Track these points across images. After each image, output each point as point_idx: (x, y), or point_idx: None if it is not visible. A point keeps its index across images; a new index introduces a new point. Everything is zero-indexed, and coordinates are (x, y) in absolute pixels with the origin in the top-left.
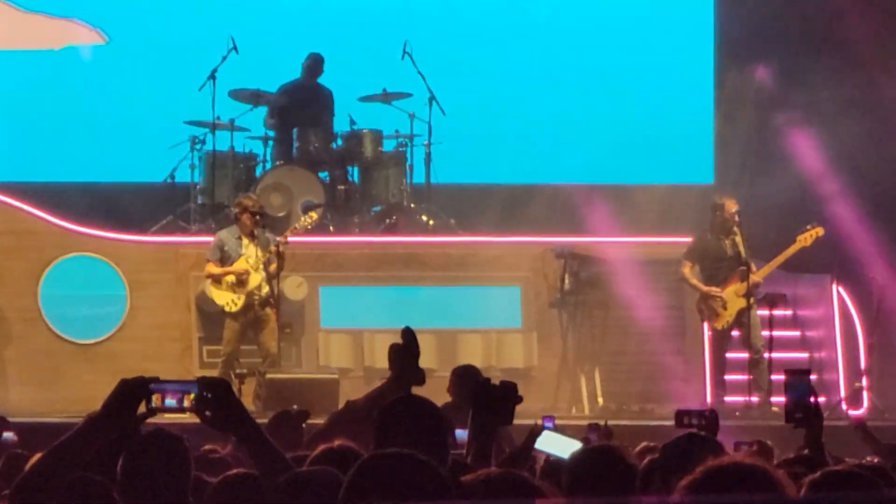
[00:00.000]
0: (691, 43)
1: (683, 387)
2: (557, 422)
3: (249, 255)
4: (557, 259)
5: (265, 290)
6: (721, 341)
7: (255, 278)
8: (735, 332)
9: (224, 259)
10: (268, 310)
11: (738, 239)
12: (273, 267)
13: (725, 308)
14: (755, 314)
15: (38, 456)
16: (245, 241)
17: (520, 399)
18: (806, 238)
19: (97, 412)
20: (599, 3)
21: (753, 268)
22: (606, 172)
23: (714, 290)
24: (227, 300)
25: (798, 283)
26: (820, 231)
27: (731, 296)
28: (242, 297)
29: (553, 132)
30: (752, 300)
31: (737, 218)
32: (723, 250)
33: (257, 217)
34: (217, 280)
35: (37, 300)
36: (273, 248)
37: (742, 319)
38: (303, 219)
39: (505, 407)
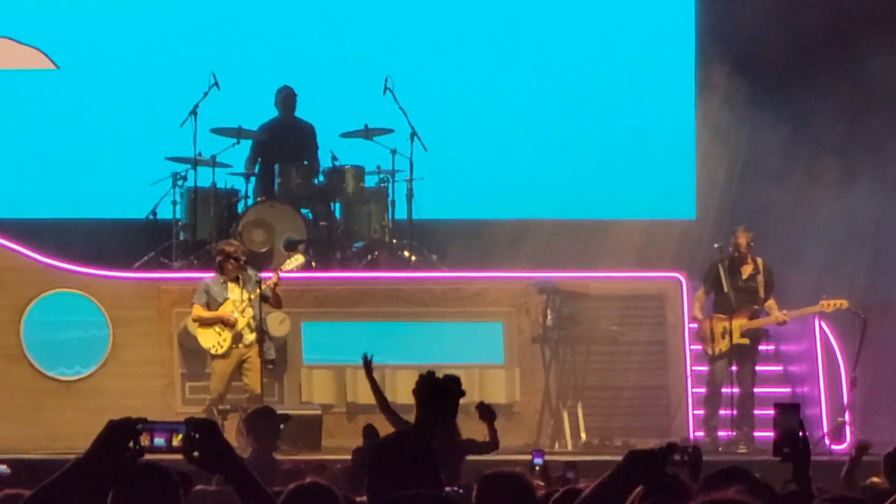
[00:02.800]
0: (672, 79)
1: (665, 421)
2: None
3: (235, 299)
4: (540, 294)
5: (251, 332)
6: (718, 374)
7: (241, 321)
8: (733, 368)
9: (210, 302)
10: (253, 350)
11: (762, 275)
12: (268, 305)
13: (723, 337)
14: (756, 353)
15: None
16: (230, 284)
17: (462, 392)
18: (829, 305)
19: (85, 453)
20: (579, 39)
21: (777, 311)
22: (588, 207)
23: (706, 323)
24: (213, 342)
25: None
26: (845, 304)
27: (735, 329)
28: (228, 340)
29: (535, 168)
30: (756, 341)
31: (750, 249)
32: (737, 280)
33: (241, 262)
34: (203, 323)
35: (19, 337)
36: (259, 285)
37: (740, 355)
38: (290, 260)
39: (449, 398)
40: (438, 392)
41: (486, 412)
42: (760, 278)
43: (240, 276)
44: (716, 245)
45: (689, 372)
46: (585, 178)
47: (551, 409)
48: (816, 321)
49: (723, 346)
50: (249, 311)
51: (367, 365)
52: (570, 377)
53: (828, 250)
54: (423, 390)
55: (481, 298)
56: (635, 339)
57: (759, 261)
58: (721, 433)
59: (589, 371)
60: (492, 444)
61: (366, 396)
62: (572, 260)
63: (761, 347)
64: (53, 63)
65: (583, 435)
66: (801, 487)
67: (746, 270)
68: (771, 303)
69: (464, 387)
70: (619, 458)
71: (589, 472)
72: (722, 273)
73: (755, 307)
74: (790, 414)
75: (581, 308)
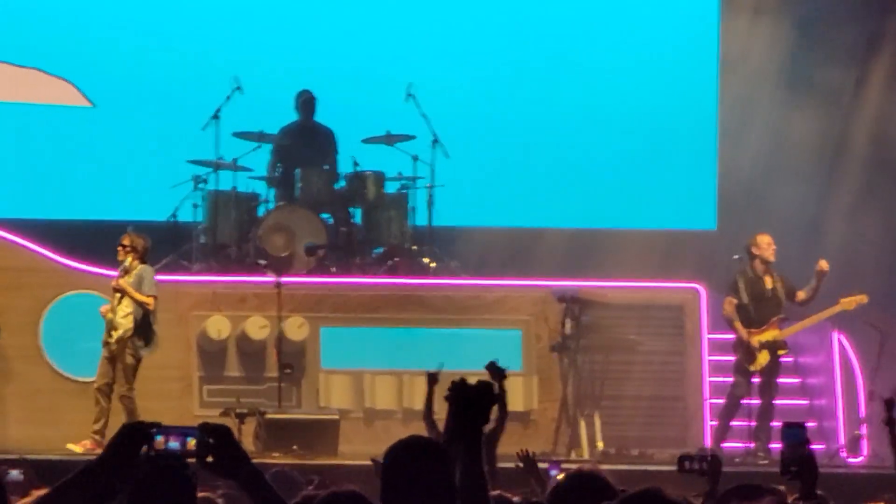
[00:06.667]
0: (694, 88)
1: (682, 432)
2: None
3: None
4: (559, 303)
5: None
6: (743, 387)
7: (109, 312)
8: (756, 379)
9: None
10: (118, 346)
11: (780, 284)
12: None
13: (762, 351)
14: (779, 362)
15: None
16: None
17: (496, 399)
18: (849, 302)
19: (99, 455)
20: (601, 48)
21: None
22: (609, 217)
23: (752, 338)
24: None
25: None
26: (864, 299)
27: (772, 340)
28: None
29: (555, 176)
30: (781, 351)
31: (772, 253)
32: (763, 290)
33: (126, 251)
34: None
35: (38, 338)
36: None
37: (768, 367)
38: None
39: (481, 407)
40: (471, 399)
41: (496, 371)
42: (780, 287)
43: (125, 266)
44: (735, 256)
45: (706, 382)
46: (606, 187)
47: (568, 418)
48: (835, 334)
49: (763, 359)
50: (122, 307)
51: (434, 377)
52: (587, 386)
53: (846, 261)
54: (457, 398)
55: (500, 306)
56: (653, 349)
57: (775, 273)
58: (735, 444)
59: (607, 380)
60: (499, 426)
61: (383, 402)
62: (592, 269)
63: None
64: (86, 98)
65: (600, 444)
66: None
67: (769, 280)
68: (798, 293)
69: None
70: (636, 467)
71: None
72: (742, 285)
73: (782, 316)
74: (797, 432)
75: (600, 317)
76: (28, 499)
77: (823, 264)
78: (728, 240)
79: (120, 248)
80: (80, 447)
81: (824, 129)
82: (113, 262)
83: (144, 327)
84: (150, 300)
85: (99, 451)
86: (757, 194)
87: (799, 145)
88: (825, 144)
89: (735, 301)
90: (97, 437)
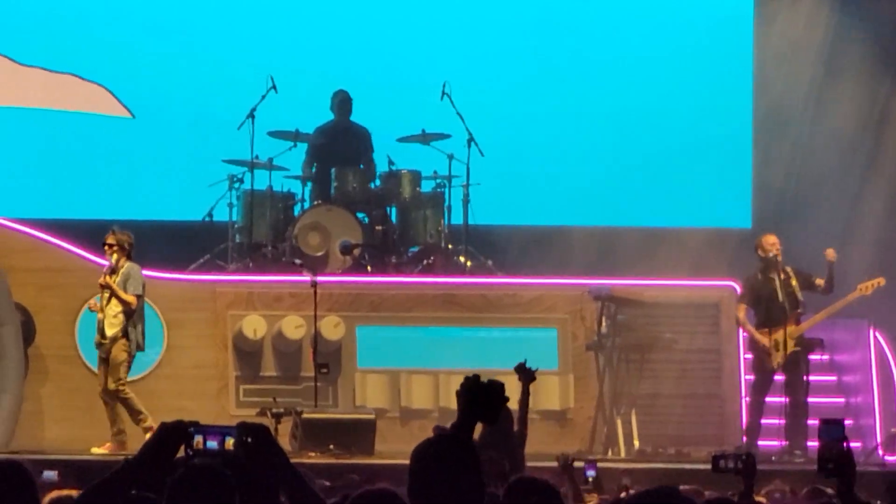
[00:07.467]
0: (729, 85)
1: (719, 430)
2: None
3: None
4: (595, 301)
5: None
6: (765, 385)
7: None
8: (780, 377)
9: None
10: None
11: (793, 280)
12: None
13: (778, 349)
14: (805, 359)
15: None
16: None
17: (506, 399)
18: (867, 287)
19: (136, 454)
20: (636, 43)
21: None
22: (644, 215)
23: (763, 338)
24: None
25: (835, 327)
26: (882, 281)
27: (787, 338)
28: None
29: (591, 174)
30: (806, 350)
31: (778, 252)
32: (773, 290)
33: (112, 250)
34: None
35: (74, 338)
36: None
37: (793, 363)
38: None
39: (490, 405)
40: (480, 396)
41: (525, 373)
42: (794, 282)
43: (113, 265)
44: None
45: (743, 380)
46: (642, 185)
47: (605, 417)
48: (871, 331)
49: (779, 358)
50: (111, 306)
51: (530, 374)
52: (624, 384)
53: (880, 254)
54: (465, 393)
55: (536, 305)
56: (690, 347)
57: (788, 268)
58: (771, 443)
59: (643, 379)
60: (521, 432)
61: (419, 401)
62: (627, 267)
63: (815, 357)
64: (124, 107)
65: (636, 443)
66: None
67: (779, 278)
68: (817, 280)
69: (518, 393)
70: (673, 465)
71: (643, 480)
72: (752, 288)
73: (798, 311)
74: (834, 429)
75: (636, 315)
76: (52, 494)
77: (831, 252)
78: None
79: (106, 248)
80: (105, 449)
81: (861, 126)
82: (149, 263)
83: (129, 329)
84: (132, 300)
85: (123, 453)
86: (792, 192)
87: (836, 141)
88: (862, 140)
89: (745, 306)
90: (120, 436)
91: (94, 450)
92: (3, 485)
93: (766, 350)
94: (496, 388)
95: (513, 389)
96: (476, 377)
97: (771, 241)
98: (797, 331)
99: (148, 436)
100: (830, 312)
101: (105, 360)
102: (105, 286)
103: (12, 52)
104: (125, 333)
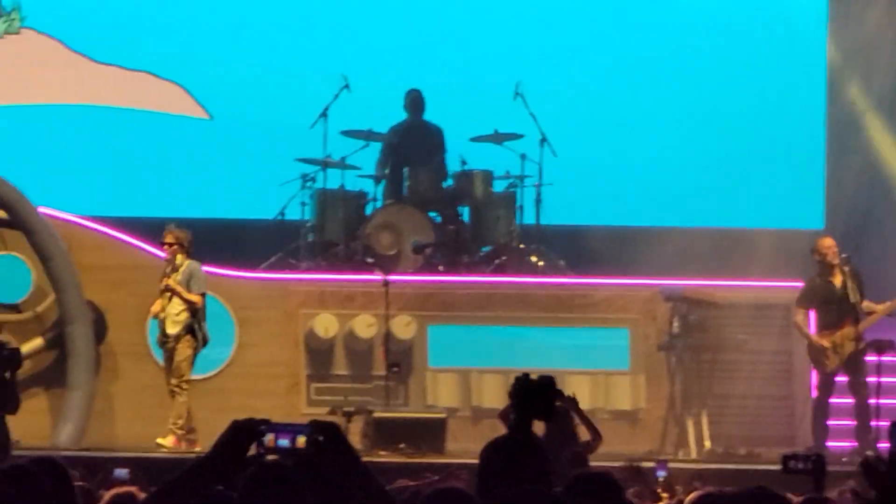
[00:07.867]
0: (803, 87)
1: (790, 431)
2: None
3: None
4: (666, 302)
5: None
6: (827, 386)
7: (159, 309)
8: (843, 378)
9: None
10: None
11: (850, 281)
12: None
13: (836, 352)
14: (864, 360)
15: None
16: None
17: (558, 394)
18: None
19: (208, 452)
20: (710, 45)
21: (875, 307)
22: (717, 216)
23: (823, 340)
24: None
25: None
26: None
27: (844, 339)
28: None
29: (663, 175)
30: (861, 346)
31: (835, 255)
32: (832, 292)
33: (172, 248)
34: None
35: (145, 335)
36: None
37: (852, 364)
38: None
39: (542, 401)
40: (531, 393)
41: (568, 402)
42: (851, 284)
43: (173, 263)
44: (843, 255)
45: (813, 381)
46: (714, 186)
47: (676, 417)
48: None
49: (837, 361)
50: (173, 305)
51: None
52: (694, 385)
53: None
54: (517, 392)
55: (608, 305)
56: (761, 348)
57: (847, 269)
58: (842, 444)
59: (714, 379)
60: (594, 440)
61: (490, 400)
62: (700, 268)
63: (888, 359)
64: (201, 108)
65: (707, 443)
66: None
67: (838, 280)
68: (866, 303)
69: (589, 393)
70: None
71: (713, 481)
72: (810, 292)
73: (858, 312)
74: None
75: (707, 316)
76: (110, 493)
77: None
78: (836, 239)
79: (166, 247)
80: (168, 442)
81: None
82: (222, 260)
83: (195, 327)
84: (198, 299)
85: (184, 446)
86: (865, 193)
87: None
88: None
89: (803, 309)
90: (180, 431)
91: (159, 440)
92: (39, 482)
93: (823, 352)
94: (546, 384)
95: (584, 392)
96: (526, 375)
97: (827, 245)
98: (854, 332)
99: (171, 439)
100: (884, 312)
101: (170, 360)
102: (167, 289)
103: (88, 50)
104: (190, 330)
